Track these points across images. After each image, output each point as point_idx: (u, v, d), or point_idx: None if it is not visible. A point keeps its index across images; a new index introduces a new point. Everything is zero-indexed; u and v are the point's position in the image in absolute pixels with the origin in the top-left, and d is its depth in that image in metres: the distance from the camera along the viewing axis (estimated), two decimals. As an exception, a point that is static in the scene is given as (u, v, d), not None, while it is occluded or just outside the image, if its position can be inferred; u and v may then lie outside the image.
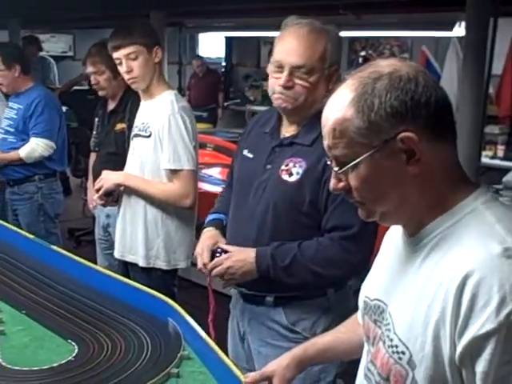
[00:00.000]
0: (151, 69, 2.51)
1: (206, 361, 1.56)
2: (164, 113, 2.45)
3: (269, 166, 1.80)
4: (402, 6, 4.07)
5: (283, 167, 1.77)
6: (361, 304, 1.21)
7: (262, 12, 4.58)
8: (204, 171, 5.02)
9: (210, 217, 2.00)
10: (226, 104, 9.25)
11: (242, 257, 1.77)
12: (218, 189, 4.78)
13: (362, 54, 8.46)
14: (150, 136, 2.49)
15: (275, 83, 1.75)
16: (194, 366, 1.55)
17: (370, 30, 6.53)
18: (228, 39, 9.99)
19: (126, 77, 2.54)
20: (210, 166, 5.24)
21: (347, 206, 1.57)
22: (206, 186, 4.70)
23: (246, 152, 1.91)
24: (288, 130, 1.83)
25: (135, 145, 2.58)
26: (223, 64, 10.23)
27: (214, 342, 1.56)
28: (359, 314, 1.25)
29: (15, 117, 3.68)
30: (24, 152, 3.62)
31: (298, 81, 1.72)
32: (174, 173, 2.46)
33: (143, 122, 2.55)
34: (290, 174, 1.75)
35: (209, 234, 1.91)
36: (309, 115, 1.76)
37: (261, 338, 1.84)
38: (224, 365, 1.45)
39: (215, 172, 5.18)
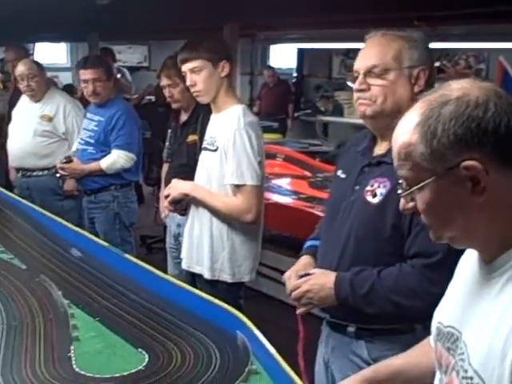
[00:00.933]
0: (216, 83, 2.53)
1: (275, 377, 1.55)
2: (230, 127, 2.47)
3: (357, 187, 1.74)
4: (478, 17, 3.97)
5: (368, 188, 1.69)
6: (433, 330, 1.17)
7: (335, 24, 4.56)
8: (274, 182, 5.03)
9: (308, 243, 1.96)
10: (296, 114, 9.27)
11: (321, 281, 1.72)
12: (287, 200, 4.79)
13: (437, 64, 8.30)
14: (216, 150, 2.51)
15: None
16: (261, 381, 1.55)
17: (444, 41, 6.41)
18: (300, 50, 10.02)
19: (191, 90, 2.59)
20: (279, 176, 5.24)
21: None
22: (275, 197, 4.70)
23: (339, 172, 1.86)
24: (380, 148, 1.75)
25: (203, 158, 2.61)
26: (294, 75, 10.26)
27: (304, 371, 1.54)
28: (432, 338, 1.22)
29: (96, 129, 3.76)
30: (106, 163, 3.71)
31: (372, 82, 1.69)
32: (237, 187, 2.47)
33: (211, 135, 2.58)
34: (374, 195, 1.68)
35: (302, 262, 1.88)
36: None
37: (342, 371, 1.74)
38: (292, 383, 1.44)
39: (285, 183, 5.18)
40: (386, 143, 1.72)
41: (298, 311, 1.79)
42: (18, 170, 4.34)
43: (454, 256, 1.43)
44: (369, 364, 1.68)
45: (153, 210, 5.68)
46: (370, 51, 1.71)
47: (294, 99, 9.42)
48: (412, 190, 1.02)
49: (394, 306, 1.64)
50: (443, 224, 1.02)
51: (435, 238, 1.06)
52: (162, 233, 4.52)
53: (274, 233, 4.41)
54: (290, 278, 1.80)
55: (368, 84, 1.69)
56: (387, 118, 1.69)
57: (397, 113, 1.66)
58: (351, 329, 1.74)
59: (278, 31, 6.41)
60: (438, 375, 1.15)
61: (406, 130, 1.01)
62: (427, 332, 1.48)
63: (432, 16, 3.90)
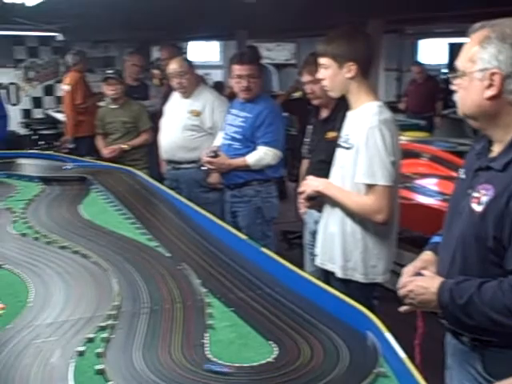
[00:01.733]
0: (341, 83, 2.52)
1: (403, 382, 1.50)
2: (363, 125, 2.43)
3: (469, 191, 1.65)
4: None
5: (475, 194, 1.61)
6: None
7: (487, 17, 4.32)
8: (417, 182, 4.88)
9: (434, 238, 1.92)
10: (445, 112, 8.91)
11: (426, 284, 1.68)
12: (431, 201, 4.62)
13: None
14: (350, 148, 2.48)
15: None
16: (389, 385, 1.52)
17: None
18: (451, 45, 9.63)
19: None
20: (424, 176, 5.07)
21: None
22: (419, 198, 4.56)
23: (461, 172, 1.78)
24: (494, 150, 1.65)
25: (338, 155, 2.60)
26: (443, 71, 9.88)
27: (417, 366, 1.50)
28: None
29: (243, 125, 3.85)
30: (252, 159, 3.80)
31: (457, 83, 1.64)
32: (369, 187, 2.43)
33: (346, 133, 2.55)
34: (479, 203, 1.58)
35: (424, 258, 1.85)
36: (496, 130, 1.61)
37: (460, 380, 1.70)
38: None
39: (430, 183, 5.00)
40: (498, 145, 1.62)
41: (400, 308, 1.77)
42: (168, 162, 4.58)
43: None
44: (484, 378, 1.61)
45: (295, 205, 5.73)
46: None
47: (443, 96, 9.06)
48: None
49: (490, 321, 1.54)
50: None
51: None
52: (302, 229, 4.56)
53: (416, 234, 4.29)
54: (406, 274, 1.76)
55: (458, 85, 1.64)
56: (474, 122, 1.64)
57: (479, 116, 1.60)
58: (466, 338, 1.66)
59: (427, 25, 6.19)
60: None
61: None
62: None
63: None
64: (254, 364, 1.60)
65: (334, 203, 2.55)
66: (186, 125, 4.37)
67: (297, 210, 3.60)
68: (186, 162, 4.40)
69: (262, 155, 3.78)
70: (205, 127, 4.35)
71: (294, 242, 5.52)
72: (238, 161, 3.83)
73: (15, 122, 8.49)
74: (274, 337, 1.76)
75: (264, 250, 2.43)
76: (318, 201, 2.65)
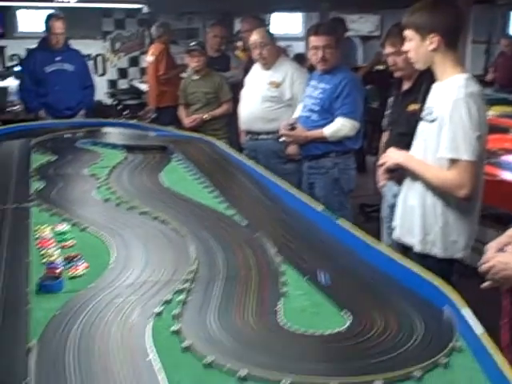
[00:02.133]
0: (423, 55, 2.44)
1: (480, 357, 1.47)
2: (448, 98, 2.35)
3: None
4: None
5: None
6: None
7: None
8: (504, 158, 4.70)
9: None
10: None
11: (507, 260, 1.65)
12: (517, 177, 4.44)
13: None
14: (433, 121, 2.41)
15: None
16: (465, 360, 1.48)
17: None
18: (546, 15, 9.15)
19: None
20: (511, 152, 4.88)
21: None
22: (504, 174, 4.39)
23: None
24: None
25: (421, 128, 2.54)
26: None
27: (505, 348, 1.47)
28: None
29: (321, 96, 3.85)
30: (329, 131, 3.79)
31: None
32: (451, 161, 2.36)
33: (430, 105, 2.48)
34: None
35: (509, 233, 1.82)
36: None
37: None
38: (498, 368, 1.36)
39: (517, 159, 4.81)
40: None
41: (482, 285, 1.75)
42: (246, 132, 4.61)
43: None
44: None
45: (374, 178, 5.65)
46: None
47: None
48: None
49: None
50: None
51: None
52: (380, 202, 4.49)
53: (501, 211, 4.14)
54: (489, 249, 1.73)
55: None
56: None
57: None
58: None
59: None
60: None
61: None
62: None
63: None
64: (326, 333, 1.60)
65: (415, 176, 2.50)
66: (266, 96, 4.38)
67: (375, 183, 3.55)
68: (265, 132, 4.41)
69: (340, 126, 3.74)
70: (284, 99, 4.34)
71: (371, 216, 5.46)
72: (316, 133, 3.81)
73: (101, 92, 8.74)
74: (348, 307, 1.75)
75: (339, 221, 2.42)
76: (398, 173, 2.61)
